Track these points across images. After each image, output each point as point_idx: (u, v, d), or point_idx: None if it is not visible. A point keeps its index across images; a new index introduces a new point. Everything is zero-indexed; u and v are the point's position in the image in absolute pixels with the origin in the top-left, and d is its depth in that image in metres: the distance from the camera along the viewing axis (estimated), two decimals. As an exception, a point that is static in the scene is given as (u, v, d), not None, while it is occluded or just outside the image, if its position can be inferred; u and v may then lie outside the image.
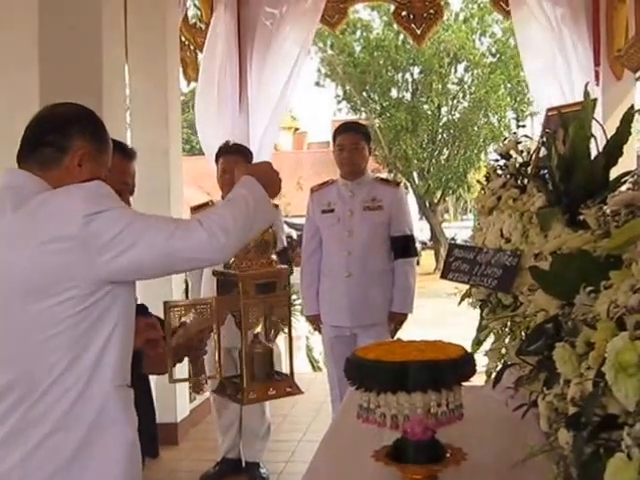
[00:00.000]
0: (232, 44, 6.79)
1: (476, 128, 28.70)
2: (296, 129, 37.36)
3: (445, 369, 1.80)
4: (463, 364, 1.85)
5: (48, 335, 1.85)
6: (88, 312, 1.87)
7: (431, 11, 6.90)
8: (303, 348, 10.13)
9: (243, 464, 5.25)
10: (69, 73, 3.96)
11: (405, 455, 1.74)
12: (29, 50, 3.91)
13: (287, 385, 2.23)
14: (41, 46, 3.94)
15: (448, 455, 1.76)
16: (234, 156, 4.70)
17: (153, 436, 2.75)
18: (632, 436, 1.00)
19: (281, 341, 9.88)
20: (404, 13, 6.95)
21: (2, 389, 1.88)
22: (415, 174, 31.32)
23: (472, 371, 1.88)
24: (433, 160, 30.50)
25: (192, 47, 6.72)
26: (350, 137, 4.84)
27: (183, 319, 2.16)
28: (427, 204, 31.59)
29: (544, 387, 1.53)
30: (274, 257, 2.22)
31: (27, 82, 3.79)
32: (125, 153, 2.65)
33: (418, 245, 29.00)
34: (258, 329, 2.20)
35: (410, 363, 1.79)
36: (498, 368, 2.14)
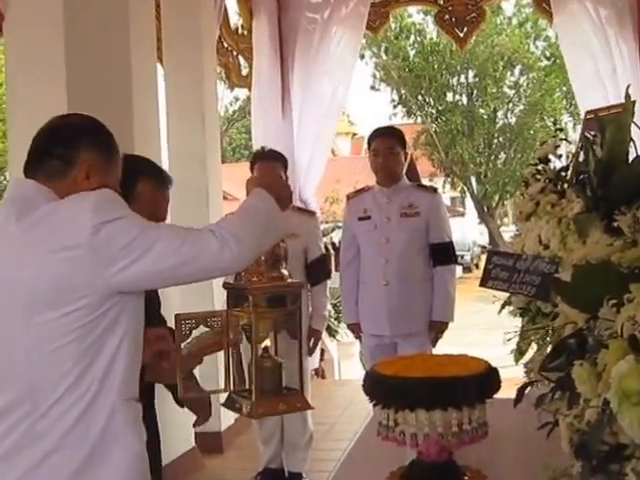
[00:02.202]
0: (273, 49, 6.77)
1: (532, 131, 28.41)
2: (354, 134, 37.30)
3: (466, 385, 1.72)
4: (486, 380, 1.77)
5: (55, 347, 1.81)
6: (97, 322, 1.83)
7: (473, 14, 6.83)
8: (356, 354, 10.06)
9: (286, 474, 5.19)
10: (97, 82, 3.92)
11: (419, 477, 1.65)
12: (56, 60, 3.88)
13: (297, 400, 2.17)
14: (68, 59, 3.91)
15: (466, 478, 1.67)
16: (270, 162, 4.65)
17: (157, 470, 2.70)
18: (636, 471, 0.90)
19: (333, 347, 9.88)
20: (447, 17, 6.90)
21: (8, 405, 1.84)
22: (472, 178, 31.15)
23: (496, 387, 1.79)
24: (490, 164, 30.32)
25: (235, 53, 6.72)
26: (385, 141, 4.73)
27: (195, 333, 2.10)
28: (485, 208, 31.36)
29: (566, 406, 1.43)
30: (285, 272, 2.15)
31: (55, 95, 3.75)
32: (159, 182, 2.61)
33: (477, 249, 28.63)
34: (267, 343, 2.14)
35: (429, 379, 1.71)
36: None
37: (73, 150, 1.99)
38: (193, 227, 1.94)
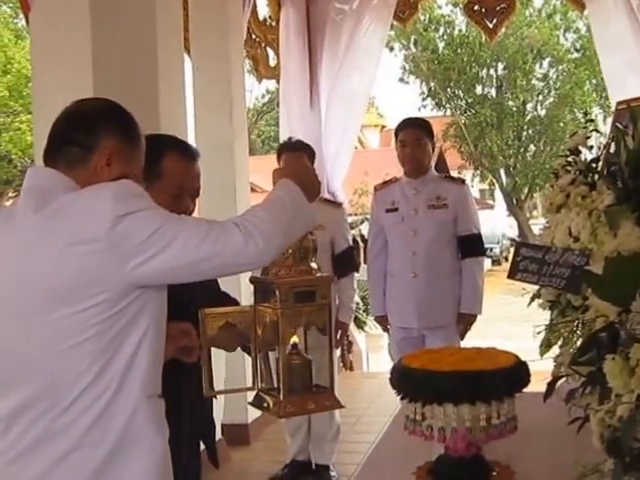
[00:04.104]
0: (301, 40, 6.74)
1: (562, 124, 28.20)
2: (383, 126, 37.17)
3: (495, 379, 1.69)
4: (515, 374, 1.74)
5: (75, 343, 1.76)
6: (117, 318, 1.77)
7: (503, 5, 6.73)
8: (385, 346, 10.04)
9: (313, 466, 5.19)
10: (124, 74, 3.92)
11: (447, 473, 1.63)
12: (83, 52, 3.87)
13: (327, 399, 2.09)
14: (95, 49, 3.90)
15: (494, 474, 1.65)
16: (297, 152, 4.62)
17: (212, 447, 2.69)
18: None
19: (362, 339, 9.86)
20: (476, 7, 6.80)
21: (28, 400, 1.80)
22: (502, 171, 31.00)
23: (525, 381, 1.76)
24: (519, 157, 30.16)
25: (263, 44, 6.70)
26: (412, 132, 4.68)
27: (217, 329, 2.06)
28: (514, 201, 31.19)
29: (597, 402, 1.40)
30: (314, 265, 2.08)
31: (81, 87, 3.72)
32: (184, 154, 2.50)
33: (506, 242, 28.45)
34: (296, 339, 2.07)
35: (456, 373, 1.69)
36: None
37: (93, 136, 1.91)
38: (217, 220, 1.88)
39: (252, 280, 2.16)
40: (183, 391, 2.40)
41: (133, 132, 2.01)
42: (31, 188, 1.89)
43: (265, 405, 2.10)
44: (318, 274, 2.08)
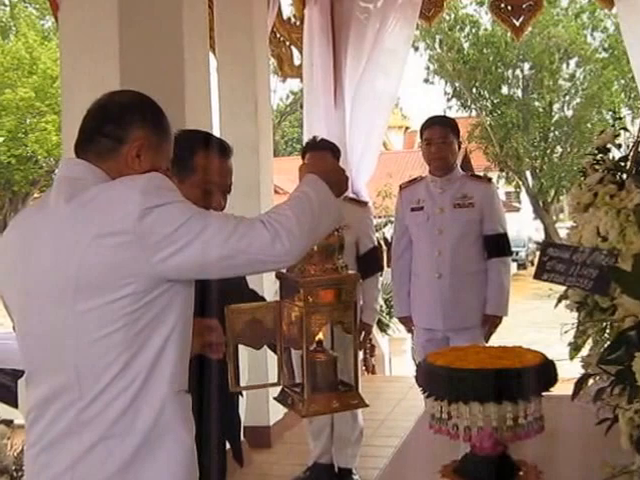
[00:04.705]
0: (325, 39, 6.70)
1: (589, 125, 28.01)
2: (407, 128, 37.09)
3: (522, 378, 1.67)
4: (542, 373, 1.71)
5: (103, 334, 1.77)
6: (145, 310, 1.78)
7: (529, 3, 6.64)
8: (408, 350, 10.00)
9: (335, 470, 5.15)
10: (150, 72, 3.93)
11: (473, 471, 1.61)
12: (110, 50, 3.90)
13: (352, 397, 2.06)
14: (122, 48, 3.92)
15: (521, 473, 1.63)
16: (322, 152, 4.58)
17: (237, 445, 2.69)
18: None
19: (384, 342, 9.83)
20: (502, 5, 6.71)
21: (57, 390, 1.82)
22: (528, 173, 30.83)
23: (553, 380, 1.73)
24: (545, 158, 30.00)
25: (287, 43, 6.69)
26: (438, 130, 4.62)
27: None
28: (541, 203, 31.01)
29: (626, 401, 1.38)
30: (339, 263, 2.05)
31: (107, 85, 3.73)
32: (217, 150, 2.52)
33: (532, 245, 28.14)
34: (321, 336, 2.05)
35: (483, 371, 1.67)
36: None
37: (123, 128, 1.94)
38: (244, 216, 1.88)
39: (278, 276, 2.15)
40: (210, 388, 2.40)
41: (162, 124, 2.02)
42: (63, 178, 1.93)
43: (289, 402, 2.09)
44: (344, 272, 2.05)
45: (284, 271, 2.10)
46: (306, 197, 1.90)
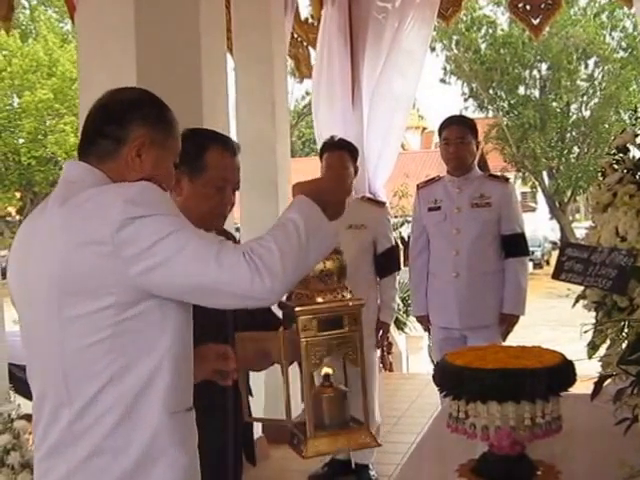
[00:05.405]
0: (342, 39, 6.71)
1: (607, 125, 27.87)
2: (424, 128, 37.05)
3: (540, 377, 1.67)
4: (561, 373, 1.71)
5: (89, 342, 1.73)
6: (132, 324, 1.73)
7: (548, 2, 6.59)
8: (425, 348, 10.00)
9: (353, 465, 5.17)
10: (167, 73, 3.93)
11: (490, 471, 1.61)
12: (127, 52, 3.89)
13: (362, 435, 1.91)
14: (139, 48, 3.93)
15: (539, 473, 1.62)
16: (339, 151, 4.61)
17: (249, 444, 2.69)
18: None
19: (402, 340, 9.82)
20: (520, 5, 6.67)
21: (47, 388, 1.80)
22: (544, 173, 30.75)
23: (571, 380, 1.73)
24: (562, 159, 29.89)
25: (305, 43, 6.69)
26: (456, 130, 4.63)
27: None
28: (557, 204, 30.90)
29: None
30: (343, 289, 1.92)
31: (125, 83, 3.77)
32: (226, 147, 2.52)
33: (548, 245, 27.97)
34: (328, 370, 1.93)
35: (501, 370, 1.67)
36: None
37: (123, 128, 1.87)
38: (227, 242, 1.74)
39: (279, 305, 2.01)
40: (228, 407, 2.44)
41: (165, 119, 1.95)
42: (62, 181, 1.90)
43: (295, 442, 1.97)
44: (346, 299, 1.92)
45: (284, 298, 1.94)
46: (293, 225, 1.76)
